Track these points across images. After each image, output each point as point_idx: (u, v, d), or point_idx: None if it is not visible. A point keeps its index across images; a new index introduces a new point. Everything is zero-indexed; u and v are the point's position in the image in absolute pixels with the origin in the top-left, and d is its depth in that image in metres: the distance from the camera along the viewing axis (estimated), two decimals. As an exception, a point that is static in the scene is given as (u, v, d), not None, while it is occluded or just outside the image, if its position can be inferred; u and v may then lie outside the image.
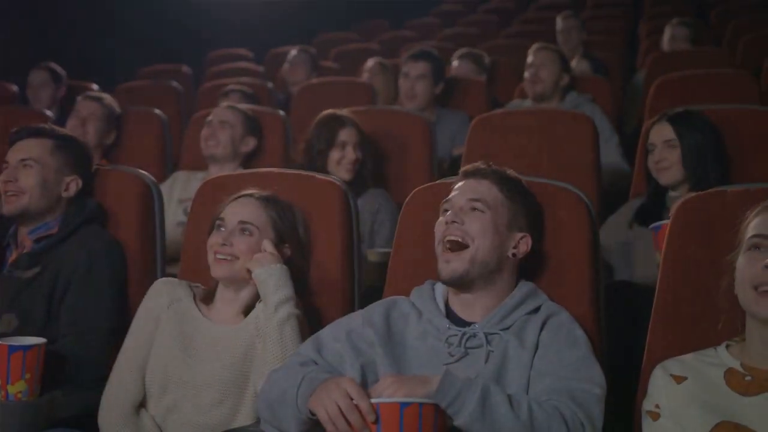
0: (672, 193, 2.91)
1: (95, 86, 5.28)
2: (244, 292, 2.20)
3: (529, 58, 4.30)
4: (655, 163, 2.89)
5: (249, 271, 2.16)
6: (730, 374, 1.74)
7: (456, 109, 4.37)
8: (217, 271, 2.19)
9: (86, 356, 2.29)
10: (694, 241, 1.95)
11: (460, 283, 1.95)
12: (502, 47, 6.25)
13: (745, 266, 1.72)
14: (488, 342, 1.89)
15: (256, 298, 2.21)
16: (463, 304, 1.98)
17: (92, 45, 6.78)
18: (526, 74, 4.29)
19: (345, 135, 3.23)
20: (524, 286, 1.99)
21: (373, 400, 1.65)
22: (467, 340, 1.91)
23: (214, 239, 2.20)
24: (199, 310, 2.21)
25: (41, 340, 2.10)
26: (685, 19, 5.94)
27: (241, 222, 2.19)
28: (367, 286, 2.50)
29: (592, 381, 1.80)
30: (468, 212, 1.96)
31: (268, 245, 2.17)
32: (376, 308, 2.02)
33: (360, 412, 1.65)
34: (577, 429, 1.72)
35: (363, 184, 3.22)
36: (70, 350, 2.27)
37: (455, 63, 5.07)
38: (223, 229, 2.20)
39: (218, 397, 2.10)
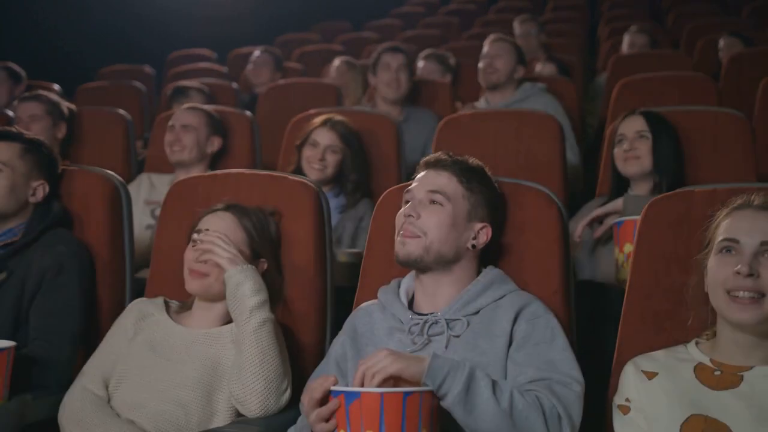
0: (631, 192, 2.95)
1: (56, 86, 5.21)
2: (219, 305, 2.19)
3: (485, 49, 4.33)
4: (624, 152, 2.91)
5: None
6: (699, 369, 1.77)
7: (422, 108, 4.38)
8: (190, 285, 2.18)
9: (55, 360, 2.26)
10: (664, 239, 1.98)
11: (415, 266, 1.98)
12: (463, 49, 6.27)
13: (716, 268, 1.75)
14: (449, 327, 1.92)
15: None
16: (426, 296, 2.00)
17: (53, 44, 6.69)
18: (481, 64, 4.31)
19: (317, 134, 3.26)
20: (490, 272, 2.01)
21: (376, 390, 1.64)
22: (429, 327, 1.94)
23: (190, 254, 2.19)
24: (173, 321, 2.21)
25: (11, 343, 2.07)
26: (643, 26, 6.02)
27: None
28: (337, 286, 2.50)
29: (571, 377, 1.82)
30: (426, 205, 1.98)
31: (232, 248, 2.13)
32: (346, 322, 2.08)
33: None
34: (554, 422, 1.75)
35: (349, 193, 3.24)
36: (39, 354, 2.24)
37: (420, 63, 5.09)
38: (198, 242, 2.19)
39: (185, 398, 2.07)
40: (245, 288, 2.07)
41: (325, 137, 3.26)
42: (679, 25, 7.07)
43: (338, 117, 3.33)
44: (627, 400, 1.80)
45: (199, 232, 2.19)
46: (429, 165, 2.04)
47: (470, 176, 2.01)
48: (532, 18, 5.95)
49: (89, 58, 6.74)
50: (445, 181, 1.99)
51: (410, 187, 2.03)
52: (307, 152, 3.26)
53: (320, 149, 3.24)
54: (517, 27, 5.84)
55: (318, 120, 3.33)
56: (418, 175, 2.05)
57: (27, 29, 6.77)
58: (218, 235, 2.13)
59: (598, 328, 2.51)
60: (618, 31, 6.47)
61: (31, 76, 5.18)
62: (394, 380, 1.71)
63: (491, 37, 4.39)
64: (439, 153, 2.06)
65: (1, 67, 4.98)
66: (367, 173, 3.31)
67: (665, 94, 3.85)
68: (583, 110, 4.92)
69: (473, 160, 2.05)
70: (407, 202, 2.02)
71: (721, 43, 5.45)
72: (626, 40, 5.77)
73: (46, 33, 6.81)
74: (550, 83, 4.44)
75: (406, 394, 1.61)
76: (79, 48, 6.87)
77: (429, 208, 1.98)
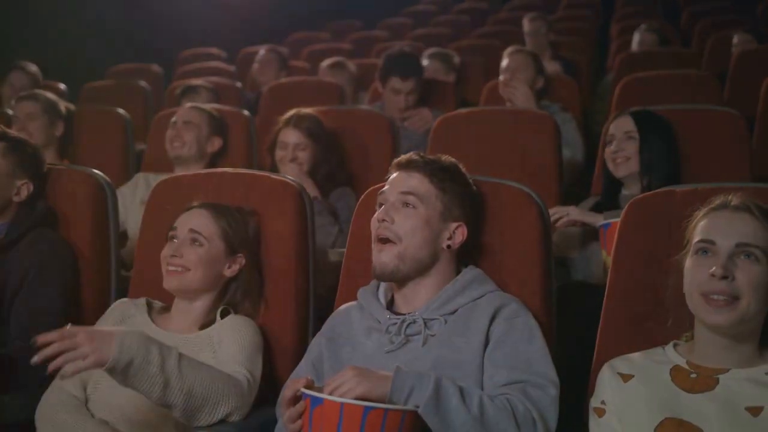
0: (624, 192, 2.92)
1: (61, 86, 5.22)
2: (197, 303, 2.19)
3: (504, 62, 4.31)
4: (613, 153, 2.89)
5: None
6: (675, 371, 1.74)
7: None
8: (168, 282, 2.18)
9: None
10: (644, 240, 1.95)
11: (392, 278, 1.96)
12: (472, 47, 6.25)
13: (692, 270, 1.72)
14: (427, 327, 1.90)
15: (211, 308, 2.20)
16: (404, 298, 1.98)
17: (64, 43, 6.72)
18: (501, 78, 4.28)
19: (283, 135, 3.27)
20: (469, 272, 1.98)
21: (337, 399, 1.62)
22: (407, 327, 1.92)
23: (166, 251, 2.20)
24: (154, 323, 2.19)
25: (-12, 343, 2.07)
26: (653, 24, 5.95)
27: (192, 230, 2.18)
28: (329, 287, 2.48)
29: (547, 378, 1.80)
30: (399, 208, 1.96)
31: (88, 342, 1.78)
32: (326, 323, 2.06)
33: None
34: (528, 426, 1.73)
35: (322, 186, 3.21)
36: (19, 354, 2.23)
37: (424, 62, 5.05)
38: (175, 240, 2.20)
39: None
40: (135, 366, 1.82)
41: (291, 136, 3.25)
42: (692, 23, 6.99)
43: (302, 112, 3.31)
44: (602, 402, 1.77)
45: (174, 229, 2.19)
46: (401, 166, 2.01)
47: (442, 176, 1.98)
48: (542, 16, 5.90)
49: (104, 57, 6.75)
50: (416, 182, 1.97)
51: (383, 189, 2.01)
52: (279, 153, 3.27)
53: (289, 150, 3.24)
54: (526, 24, 5.80)
55: (282, 119, 3.31)
56: (390, 177, 2.02)
57: (37, 29, 6.80)
58: (73, 336, 1.80)
59: (590, 330, 2.47)
60: (629, 29, 6.41)
61: (43, 75, 5.18)
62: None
63: (510, 49, 4.37)
64: (411, 153, 2.03)
65: (20, 68, 4.98)
66: (340, 163, 3.30)
67: (668, 93, 3.81)
68: (590, 109, 4.88)
69: (446, 159, 2.02)
70: (381, 205, 2.00)
71: (736, 39, 5.37)
72: (636, 38, 5.71)
73: (57, 32, 6.83)
74: (552, 82, 4.39)
75: (367, 408, 1.59)
76: (92, 47, 6.89)
77: (402, 212, 1.95)
